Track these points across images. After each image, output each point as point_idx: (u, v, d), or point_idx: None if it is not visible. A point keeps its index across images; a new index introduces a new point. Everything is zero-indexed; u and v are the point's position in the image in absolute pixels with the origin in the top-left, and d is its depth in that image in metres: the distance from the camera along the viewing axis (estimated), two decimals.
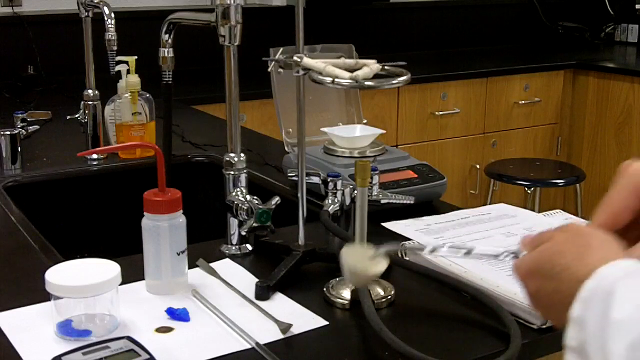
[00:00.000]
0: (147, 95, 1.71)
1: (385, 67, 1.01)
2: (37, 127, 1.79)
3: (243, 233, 1.15)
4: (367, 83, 0.96)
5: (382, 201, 1.26)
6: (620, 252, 0.62)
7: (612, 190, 0.69)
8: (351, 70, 0.98)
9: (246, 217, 1.13)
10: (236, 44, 1.11)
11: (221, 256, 1.15)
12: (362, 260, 0.86)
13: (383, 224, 1.25)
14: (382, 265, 0.86)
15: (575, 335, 0.58)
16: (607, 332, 0.54)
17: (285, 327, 0.91)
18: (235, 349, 0.88)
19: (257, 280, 1.03)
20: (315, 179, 1.30)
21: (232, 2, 1.09)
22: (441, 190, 1.38)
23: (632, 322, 0.53)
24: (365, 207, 0.95)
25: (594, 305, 0.57)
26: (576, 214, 1.30)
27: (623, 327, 0.53)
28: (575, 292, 0.59)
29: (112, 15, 1.57)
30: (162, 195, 1.00)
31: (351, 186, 1.28)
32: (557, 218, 1.26)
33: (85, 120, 1.73)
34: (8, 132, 1.62)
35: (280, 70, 1.05)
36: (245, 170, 1.16)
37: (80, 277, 0.90)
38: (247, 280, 1.05)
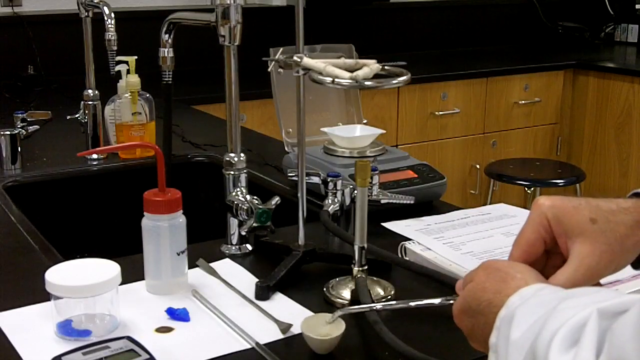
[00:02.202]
0: (147, 95, 1.71)
1: (385, 67, 1.01)
2: (37, 127, 1.79)
3: (243, 233, 1.15)
4: (367, 83, 0.96)
5: (382, 201, 1.26)
6: (537, 279, 0.67)
7: (524, 225, 0.74)
8: (351, 70, 0.98)
9: (246, 217, 1.12)
10: (236, 44, 1.11)
11: (221, 256, 1.15)
12: (321, 326, 0.87)
13: (383, 224, 1.25)
14: (341, 327, 0.87)
15: None
16: (508, 352, 0.61)
17: (285, 327, 0.91)
18: (235, 349, 0.88)
19: (257, 280, 1.03)
20: (315, 179, 1.30)
21: (232, 2, 1.09)
22: (441, 190, 1.38)
23: (524, 339, 0.59)
24: (365, 207, 0.95)
25: (501, 331, 0.63)
26: None
27: (518, 345, 0.60)
28: None
29: (112, 15, 1.57)
30: (162, 195, 1.00)
31: (351, 186, 1.28)
32: None
33: (85, 120, 1.73)
34: (8, 132, 1.62)
35: (280, 70, 1.05)
36: (245, 170, 1.16)
37: (80, 277, 0.90)
38: (247, 280, 1.05)
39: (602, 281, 0.72)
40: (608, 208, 0.70)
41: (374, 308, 0.91)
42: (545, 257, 0.74)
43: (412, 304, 0.88)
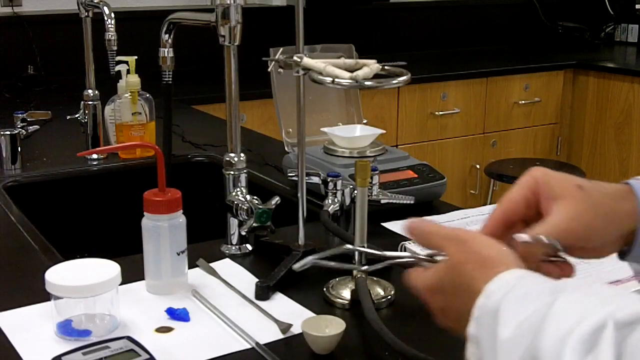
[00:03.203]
0: (147, 95, 1.71)
1: (385, 67, 1.01)
2: (37, 127, 1.79)
3: (243, 233, 1.15)
4: (367, 83, 0.96)
5: (382, 201, 1.26)
6: (516, 263, 0.65)
7: (513, 186, 0.75)
8: (351, 70, 0.98)
9: (246, 217, 1.12)
10: (236, 44, 1.11)
11: (221, 256, 1.15)
12: (321, 326, 0.87)
13: (383, 224, 1.25)
14: (341, 326, 0.87)
15: (474, 352, 0.63)
16: (497, 352, 0.59)
17: (285, 327, 0.91)
18: (235, 349, 0.88)
19: (257, 280, 1.03)
20: (315, 179, 1.30)
21: (232, 2, 1.09)
22: (441, 190, 1.38)
23: (517, 340, 0.57)
24: (365, 207, 0.95)
25: (484, 324, 0.61)
26: None
27: (509, 345, 0.58)
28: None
29: (112, 15, 1.57)
30: (162, 195, 1.00)
31: (351, 186, 1.28)
32: None
33: (85, 120, 1.73)
34: (8, 132, 1.62)
35: (280, 70, 1.05)
36: (245, 170, 1.16)
37: (80, 277, 0.90)
38: (247, 280, 1.05)
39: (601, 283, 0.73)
40: (598, 183, 0.73)
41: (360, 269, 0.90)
42: (523, 226, 0.73)
43: (389, 253, 0.87)
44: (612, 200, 0.72)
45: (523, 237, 0.70)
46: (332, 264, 0.89)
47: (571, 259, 0.72)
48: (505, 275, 0.62)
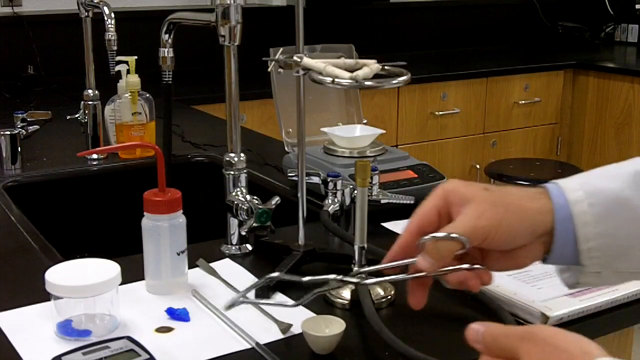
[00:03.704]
0: (147, 95, 1.71)
1: (385, 67, 1.01)
2: (37, 127, 1.79)
3: (243, 233, 1.15)
4: (367, 83, 0.96)
5: (382, 201, 1.26)
6: (600, 351, 0.57)
7: (425, 199, 0.76)
8: (351, 70, 0.98)
9: (246, 217, 1.12)
10: (236, 44, 1.11)
11: (221, 256, 1.15)
12: (321, 326, 0.88)
13: (383, 224, 1.25)
14: (341, 326, 0.87)
15: None
16: None
17: (285, 327, 0.91)
18: (235, 349, 0.88)
19: (257, 280, 1.02)
20: (315, 179, 1.30)
21: (232, 2, 1.09)
22: None
23: None
24: (365, 207, 0.95)
25: None
26: None
27: None
28: None
29: (112, 15, 1.57)
30: (162, 195, 1.00)
31: (351, 186, 1.28)
32: None
33: (85, 120, 1.73)
34: (8, 132, 1.62)
35: (280, 70, 1.05)
36: (245, 170, 1.16)
37: (80, 277, 0.90)
38: (247, 280, 1.05)
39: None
40: (509, 187, 0.75)
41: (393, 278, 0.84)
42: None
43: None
44: (521, 199, 0.74)
45: (429, 237, 0.72)
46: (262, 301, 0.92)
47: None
48: None
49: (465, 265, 0.76)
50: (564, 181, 0.76)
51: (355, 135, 1.48)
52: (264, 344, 0.88)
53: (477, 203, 0.73)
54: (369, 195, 1.04)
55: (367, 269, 0.83)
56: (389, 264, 0.80)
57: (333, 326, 0.87)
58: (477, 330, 0.62)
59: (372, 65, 1.00)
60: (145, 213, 1.00)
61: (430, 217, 0.75)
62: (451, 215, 0.75)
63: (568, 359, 0.55)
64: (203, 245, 1.18)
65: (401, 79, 0.98)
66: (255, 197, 1.13)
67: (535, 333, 0.58)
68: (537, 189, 0.75)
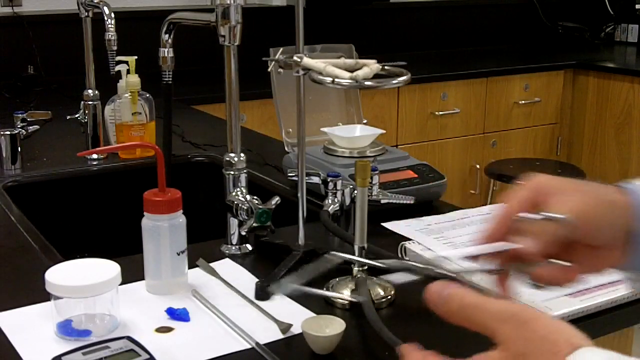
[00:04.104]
0: (147, 95, 1.71)
1: (385, 67, 1.01)
2: (37, 127, 1.79)
3: (243, 233, 1.15)
4: (367, 83, 0.96)
5: (382, 201, 1.26)
6: (582, 339, 0.53)
7: (516, 189, 0.73)
8: (351, 70, 0.98)
9: (246, 217, 1.12)
10: (236, 44, 1.11)
11: (221, 256, 1.15)
12: (321, 326, 0.88)
13: (383, 224, 1.25)
14: (341, 326, 0.87)
15: None
16: None
17: (285, 327, 0.91)
18: (235, 349, 0.88)
19: (257, 280, 1.03)
20: (315, 179, 1.30)
21: (232, 2, 1.09)
22: (441, 190, 1.38)
23: None
24: (365, 207, 0.95)
25: None
26: None
27: None
28: None
29: (112, 15, 1.57)
30: (162, 195, 1.00)
31: (351, 186, 1.28)
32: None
33: (85, 120, 1.73)
34: (8, 132, 1.62)
35: (280, 70, 1.05)
36: (245, 170, 1.16)
37: (80, 277, 0.90)
38: (247, 280, 1.05)
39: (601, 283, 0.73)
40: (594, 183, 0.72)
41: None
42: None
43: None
44: (609, 191, 0.72)
45: (533, 215, 0.68)
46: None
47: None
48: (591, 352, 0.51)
49: (557, 261, 0.71)
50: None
51: (355, 135, 1.48)
52: (264, 344, 0.88)
53: (570, 192, 0.70)
54: (369, 195, 1.04)
55: (464, 250, 0.76)
56: (484, 247, 0.73)
57: (333, 326, 0.87)
58: (442, 290, 0.58)
59: (372, 65, 1.00)
60: (145, 213, 1.00)
61: (524, 205, 0.71)
62: (542, 206, 0.71)
63: (551, 349, 0.51)
64: (203, 245, 1.18)
65: (401, 79, 0.98)
66: (255, 197, 1.13)
67: (517, 315, 0.54)
68: (613, 186, 0.73)
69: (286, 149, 1.52)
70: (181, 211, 1.01)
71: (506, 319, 0.54)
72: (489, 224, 0.71)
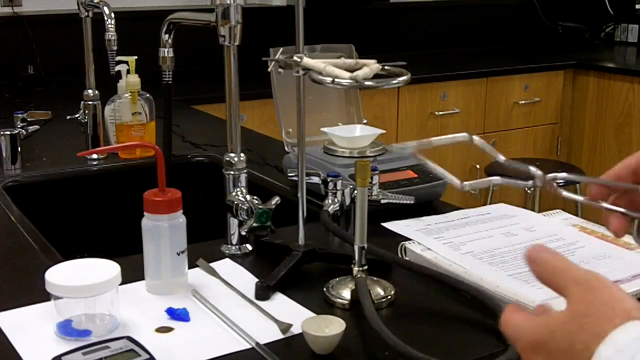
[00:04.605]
0: (147, 95, 1.71)
1: (385, 67, 1.01)
2: (37, 127, 1.79)
3: (243, 233, 1.15)
4: (367, 83, 0.96)
5: (382, 201, 1.26)
6: (636, 310, 0.54)
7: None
8: (351, 70, 0.98)
9: (246, 217, 1.12)
10: (236, 44, 1.11)
11: (221, 256, 1.15)
12: (321, 326, 0.88)
13: (383, 224, 1.25)
14: (341, 326, 0.87)
15: None
16: None
17: (285, 327, 0.91)
18: (235, 349, 0.88)
19: (257, 280, 1.03)
20: (315, 179, 1.30)
21: (232, 2, 1.09)
22: (441, 190, 1.38)
23: None
24: (365, 207, 0.95)
25: None
26: (576, 214, 1.30)
27: None
28: None
29: (112, 15, 1.57)
30: (162, 195, 1.00)
31: (351, 186, 1.28)
32: (557, 218, 1.26)
33: (85, 120, 1.73)
34: (8, 132, 1.62)
35: (280, 70, 1.05)
36: (245, 170, 1.16)
37: (80, 277, 0.90)
38: (247, 280, 1.05)
39: None
40: None
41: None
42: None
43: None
44: None
45: None
46: None
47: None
48: (620, 334, 0.52)
49: None
50: None
51: (355, 135, 1.48)
52: (264, 344, 0.88)
53: None
54: (369, 195, 1.04)
55: (577, 178, 0.75)
56: (599, 180, 0.74)
57: (333, 326, 0.87)
58: (540, 251, 0.61)
59: (372, 65, 1.00)
60: (145, 213, 1.00)
61: (628, 170, 0.71)
62: None
63: (607, 314, 0.53)
64: (203, 245, 1.18)
65: (401, 79, 0.98)
66: (255, 197, 1.13)
67: (589, 281, 0.57)
68: None
69: (286, 149, 1.52)
70: (181, 211, 1.01)
71: (580, 282, 0.57)
72: (616, 166, 0.71)
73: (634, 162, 0.71)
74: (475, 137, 0.77)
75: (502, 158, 0.75)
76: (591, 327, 0.53)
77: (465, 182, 0.72)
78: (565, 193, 0.72)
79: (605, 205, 0.72)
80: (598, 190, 0.73)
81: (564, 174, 0.73)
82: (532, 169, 0.72)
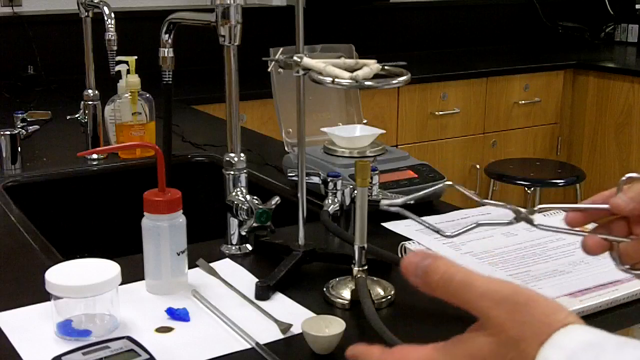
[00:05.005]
0: (147, 95, 1.71)
1: (385, 67, 1.01)
2: (37, 127, 1.79)
3: (243, 233, 1.15)
4: (367, 83, 0.96)
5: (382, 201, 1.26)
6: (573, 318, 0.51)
7: None
8: (351, 70, 0.98)
9: (246, 217, 1.13)
10: (236, 44, 1.11)
11: (221, 256, 1.15)
12: (321, 326, 0.88)
13: (383, 224, 1.25)
14: (341, 326, 0.87)
15: None
16: None
17: (285, 327, 0.91)
18: (235, 349, 0.88)
19: (257, 280, 1.03)
20: (315, 179, 1.30)
21: (232, 2, 1.09)
22: (441, 190, 1.38)
23: None
24: (365, 207, 0.95)
25: None
26: None
27: None
28: None
29: (112, 15, 1.57)
30: (162, 195, 1.00)
31: (351, 186, 1.28)
32: (557, 218, 1.26)
33: (85, 120, 1.73)
34: (8, 132, 1.62)
35: (280, 70, 1.05)
36: (245, 170, 1.16)
37: (80, 277, 0.90)
38: (247, 280, 1.05)
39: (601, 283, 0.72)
40: None
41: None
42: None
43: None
44: None
45: (626, 176, 0.67)
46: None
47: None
48: (579, 329, 0.49)
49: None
50: None
51: (355, 135, 1.48)
52: (264, 344, 0.88)
53: None
54: (369, 195, 1.04)
55: (552, 206, 0.74)
56: (574, 206, 0.72)
57: (333, 326, 0.87)
58: (417, 263, 0.55)
59: (372, 65, 1.00)
60: (145, 213, 1.00)
61: (602, 197, 0.70)
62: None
63: (547, 331, 0.50)
64: (203, 245, 1.18)
65: (401, 79, 0.98)
66: (255, 197, 1.13)
67: (512, 298, 0.52)
68: None
69: (286, 149, 1.52)
70: (181, 211, 1.01)
71: (499, 300, 0.52)
72: (593, 197, 0.70)
73: (607, 193, 0.70)
74: (450, 183, 0.77)
75: (476, 198, 0.75)
76: (529, 350, 0.49)
77: (451, 232, 0.72)
78: (541, 227, 0.72)
79: (583, 232, 0.71)
80: (573, 216, 0.72)
81: (539, 206, 0.73)
82: (508, 207, 0.72)
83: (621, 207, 0.67)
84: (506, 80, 3.37)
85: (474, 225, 0.71)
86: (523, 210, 0.71)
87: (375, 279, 1.02)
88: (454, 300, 0.54)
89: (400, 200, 0.77)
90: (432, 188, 0.78)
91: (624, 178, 0.68)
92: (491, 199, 3.31)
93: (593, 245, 0.70)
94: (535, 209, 0.71)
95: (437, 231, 0.72)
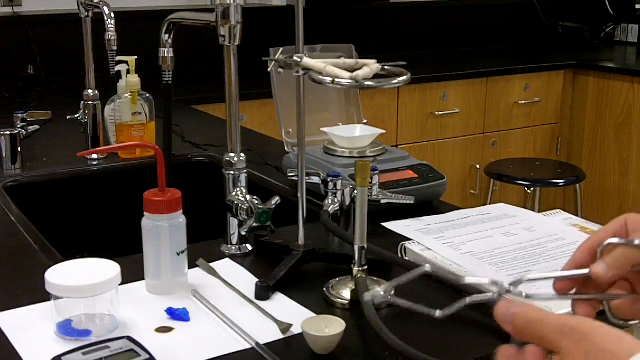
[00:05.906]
0: (147, 95, 1.71)
1: (385, 67, 1.01)
2: (37, 127, 1.79)
3: (243, 233, 1.15)
4: (367, 83, 0.96)
5: (382, 201, 1.26)
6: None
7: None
8: (351, 70, 0.98)
9: (246, 217, 1.13)
10: (236, 44, 1.11)
11: (221, 256, 1.15)
12: (321, 326, 0.87)
13: (383, 224, 1.25)
14: (341, 326, 0.87)
15: None
16: None
17: (285, 327, 0.91)
18: (235, 349, 0.88)
19: (257, 280, 1.03)
20: (315, 179, 1.30)
21: (232, 2, 1.09)
22: (441, 190, 1.38)
23: None
24: (365, 207, 0.95)
25: None
26: (576, 214, 1.30)
27: None
28: None
29: (112, 15, 1.57)
30: (162, 195, 1.00)
31: (351, 186, 1.28)
32: (557, 218, 1.26)
33: (85, 120, 1.73)
34: (8, 132, 1.62)
35: (280, 70, 1.05)
36: (245, 170, 1.16)
37: (80, 277, 0.90)
38: (247, 280, 1.05)
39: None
40: None
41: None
42: None
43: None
44: None
45: (616, 240, 0.66)
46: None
47: None
48: None
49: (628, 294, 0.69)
50: None
51: (355, 135, 1.48)
52: (264, 344, 0.88)
53: None
54: (369, 195, 1.04)
55: (537, 276, 0.73)
56: (558, 274, 0.72)
57: (333, 326, 0.87)
58: (508, 309, 0.59)
59: (372, 65, 1.00)
60: (145, 213, 1.00)
61: (610, 236, 0.69)
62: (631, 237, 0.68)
63: (608, 358, 0.53)
64: (203, 245, 1.18)
65: (401, 79, 0.98)
66: (255, 197, 1.13)
67: (577, 329, 0.55)
68: None
69: (286, 149, 1.52)
70: (181, 211, 1.01)
71: (566, 332, 0.55)
72: (570, 259, 0.69)
73: (589, 244, 0.70)
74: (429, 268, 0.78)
75: (461, 279, 0.76)
76: None
77: (441, 311, 0.72)
78: (529, 301, 0.72)
79: (573, 296, 0.70)
80: (561, 285, 0.71)
81: (528, 277, 0.72)
82: (493, 281, 0.71)
83: (600, 276, 0.67)
84: (506, 80, 3.37)
85: (466, 302, 0.72)
86: (506, 285, 0.71)
87: (375, 279, 1.02)
88: (534, 340, 0.58)
89: (382, 287, 0.80)
90: (409, 275, 0.79)
91: (605, 244, 0.68)
92: (491, 199, 3.31)
93: (584, 314, 0.70)
94: (524, 280, 0.71)
95: (428, 313, 0.73)
